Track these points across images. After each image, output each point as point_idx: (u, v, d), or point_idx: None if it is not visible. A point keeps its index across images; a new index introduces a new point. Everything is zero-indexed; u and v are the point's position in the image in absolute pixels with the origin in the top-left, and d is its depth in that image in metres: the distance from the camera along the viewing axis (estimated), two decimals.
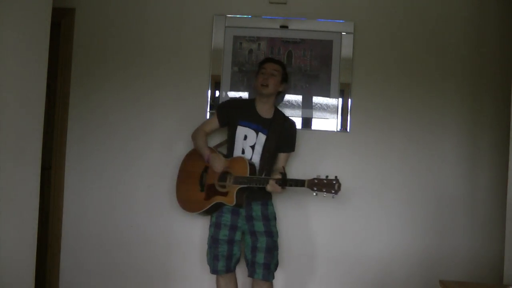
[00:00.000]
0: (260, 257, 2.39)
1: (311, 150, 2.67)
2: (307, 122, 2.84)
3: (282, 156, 2.55)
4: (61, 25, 2.85)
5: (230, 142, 2.52)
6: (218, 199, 2.42)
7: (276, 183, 2.30)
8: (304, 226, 2.81)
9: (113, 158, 2.86)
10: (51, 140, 2.85)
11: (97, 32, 2.89)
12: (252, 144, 2.47)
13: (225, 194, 2.41)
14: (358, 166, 2.81)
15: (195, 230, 2.80)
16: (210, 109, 2.83)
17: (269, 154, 2.47)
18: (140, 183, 2.85)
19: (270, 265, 2.41)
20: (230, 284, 2.52)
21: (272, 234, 2.44)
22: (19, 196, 2.00)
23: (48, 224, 2.85)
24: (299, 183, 2.30)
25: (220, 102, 2.78)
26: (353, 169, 2.79)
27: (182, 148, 2.78)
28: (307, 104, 2.83)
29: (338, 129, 2.83)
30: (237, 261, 2.49)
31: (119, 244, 2.84)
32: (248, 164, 2.38)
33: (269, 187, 2.33)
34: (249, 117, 2.50)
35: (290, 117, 2.63)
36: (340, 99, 2.83)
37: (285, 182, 2.30)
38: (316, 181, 2.28)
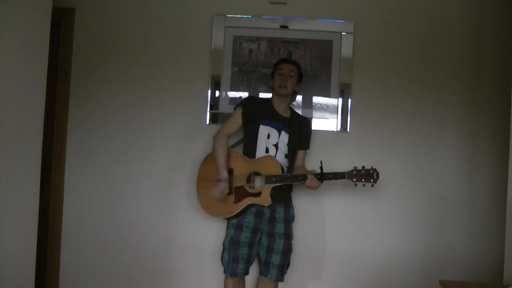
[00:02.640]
0: (276, 259, 2.40)
1: (311, 150, 2.66)
2: None
3: (300, 153, 2.57)
4: (61, 25, 2.86)
5: (251, 141, 2.48)
6: (251, 200, 2.39)
7: (315, 177, 2.34)
8: (303, 226, 2.81)
9: (113, 158, 2.86)
10: (51, 140, 2.85)
11: (97, 32, 2.89)
12: (275, 142, 2.47)
13: (257, 194, 2.38)
14: (358, 166, 2.80)
15: (195, 230, 2.80)
16: (210, 109, 2.84)
17: (293, 152, 2.50)
18: (139, 183, 2.85)
19: (284, 267, 2.44)
20: (239, 286, 2.50)
21: (289, 237, 2.46)
22: (19, 196, 2.00)
23: (48, 224, 2.85)
24: (339, 175, 2.38)
25: (244, 99, 2.62)
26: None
27: (182, 147, 2.78)
28: (307, 104, 2.83)
29: (338, 129, 2.83)
30: (252, 263, 2.50)
31: (119, 244, 2.84)
32: (278, 163, 2.39)
33: (308, 182, 2.34)
34: (270, 116, 2.49)
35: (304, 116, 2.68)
36: (340, 99, 2.83)
37: (324, 176, 2.36)
38: (355, 172, 2.39)
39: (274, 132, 2.47)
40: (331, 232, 2.81)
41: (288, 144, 2.48)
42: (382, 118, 2.82)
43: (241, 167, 2.43)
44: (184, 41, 2.87)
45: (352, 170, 2.39)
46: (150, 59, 2.87)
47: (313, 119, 2.83)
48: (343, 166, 2.75)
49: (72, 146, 2.87)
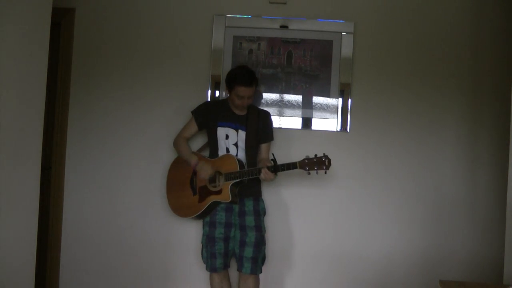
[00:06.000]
0: (248, 251, 2.44)
1: (311, 150, 2.66)
2: (307, 122, 2.84)
3: (264, 146, 2.63)
4: (61, 25, 2.85)
5: (213, 143, 2.59)
6: (213, 198, 2.48)
7: (269, 169, 2.38)
8: (304, 225, 2.81)
9: (113, 158, 2.86)
10: (51, 140, 2.85)
11: (97, 32, 2.89)
12: (234, 142, 2.54)
13: (218, 192, 2.47)
14: (358, 166, 2.81)
15: (193, 230, 2.80)
16: None
17: (253, 148, 2.57)
18: (140, 183, 2.85)
19: (258, 259, 2.48)
20: (224, 280, 2.57)
21: (261, 229, 2.51)
22: (19, 196, 2.00)
23: (48, 224, 2.85)
24: (291, 166, 2.40)
25: (197, 106, 2.65)
26: (353, 169, 2.80)
27: None
28: (307, 104, 2.83)
29: (338, 129, 2.83)
30: (231, 257, 2.55)
31: (118, 244, 2.85)
32: (236, 160, 2.47)
33: (262, 175, 2.40)
34: (226, 117, 2.56)
35: (263, 109, 2.73)
36: (340, 99, 2.83)
37: (278, 168, 2.40)
38: (306, 161, 2.39)
39: (232, 132, 2.54)
40: (330, 233, 2.81)
41: (245, 142, 2.54)
42: (382, 118, 2.82)
43: None
44: (184, 41, 2.87)
45: (304, 159, 2.40)
46: (150, 59, 2.87)
47: (313, 119, 2.83)
48: (342, 166, 2.76)
49: (72, 146, 2.87)
